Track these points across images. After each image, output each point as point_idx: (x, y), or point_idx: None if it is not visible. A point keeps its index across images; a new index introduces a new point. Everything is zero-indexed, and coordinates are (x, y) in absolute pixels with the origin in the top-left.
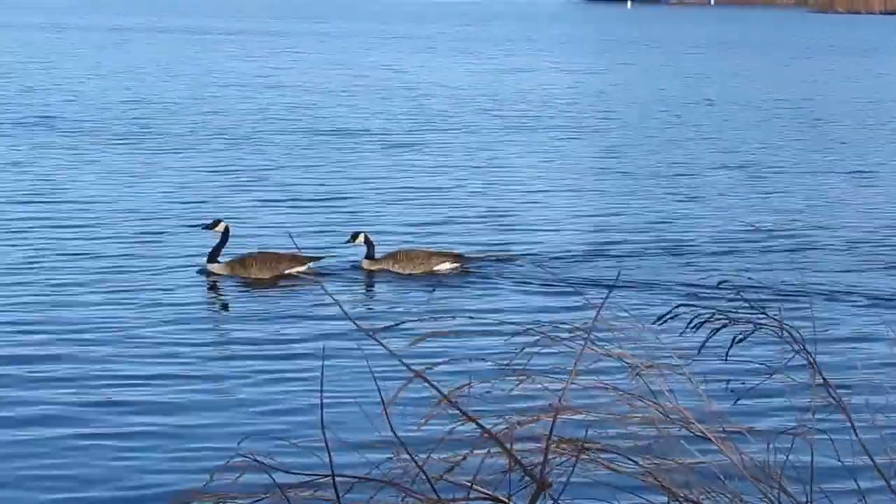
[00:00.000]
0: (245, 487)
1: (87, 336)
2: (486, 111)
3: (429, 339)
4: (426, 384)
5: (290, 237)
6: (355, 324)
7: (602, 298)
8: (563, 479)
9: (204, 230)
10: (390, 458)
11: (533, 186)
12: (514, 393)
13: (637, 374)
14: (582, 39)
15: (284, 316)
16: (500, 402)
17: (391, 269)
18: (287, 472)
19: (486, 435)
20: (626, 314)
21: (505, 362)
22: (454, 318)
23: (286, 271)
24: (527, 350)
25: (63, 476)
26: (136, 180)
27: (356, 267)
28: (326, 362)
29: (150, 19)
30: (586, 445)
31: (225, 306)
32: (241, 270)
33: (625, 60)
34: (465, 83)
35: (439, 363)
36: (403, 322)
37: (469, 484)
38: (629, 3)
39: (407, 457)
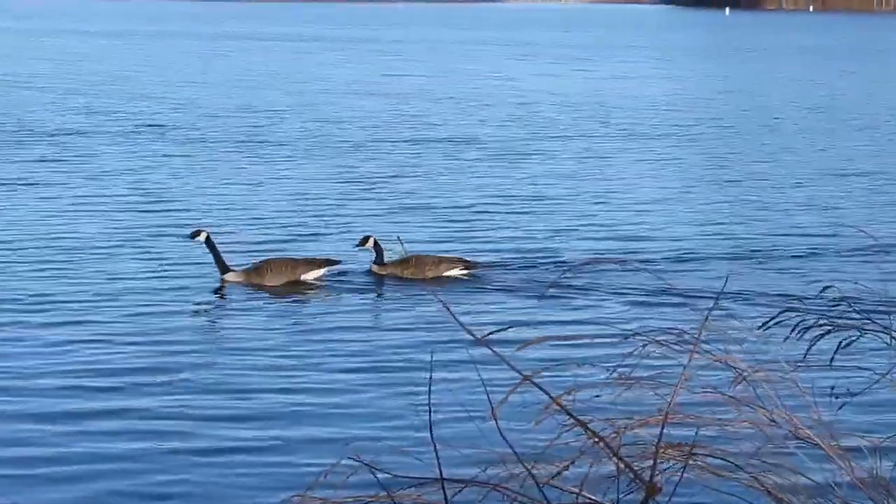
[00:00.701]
0: (353, 491)
1: (197, 347)
2: (594, 118)
3: (535, 345)
4: (531, 390)
5: (400, 241)
6: (467, 330)
7: (707, 306)
8: (671, 484)
9: (186, 241)
10: (497, 463)
11: (640, 194)
12: (621, 398)
13: (743, 379)
14: (683, 46)
15: (375, 325)
16: (607, 407)
17: (401, 274)
18: (395, 475)
19: (594, 439)
20: (731, 320)
21: (611, 368)
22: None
23: (302, 276)
24: (634, 355)
25: (167, 493)
26: (253, 188)
27: (369, 272)
28: (418, 367)
29: (253, 27)
30: (694, 451)
31: (314, 315)
32: (257, 278)
33: (728, 67)
34: (572, 90)
35: (546, 369)
36: (509, 328)
37: (577, 490)
38: (727, 10)
39: (514, 461)
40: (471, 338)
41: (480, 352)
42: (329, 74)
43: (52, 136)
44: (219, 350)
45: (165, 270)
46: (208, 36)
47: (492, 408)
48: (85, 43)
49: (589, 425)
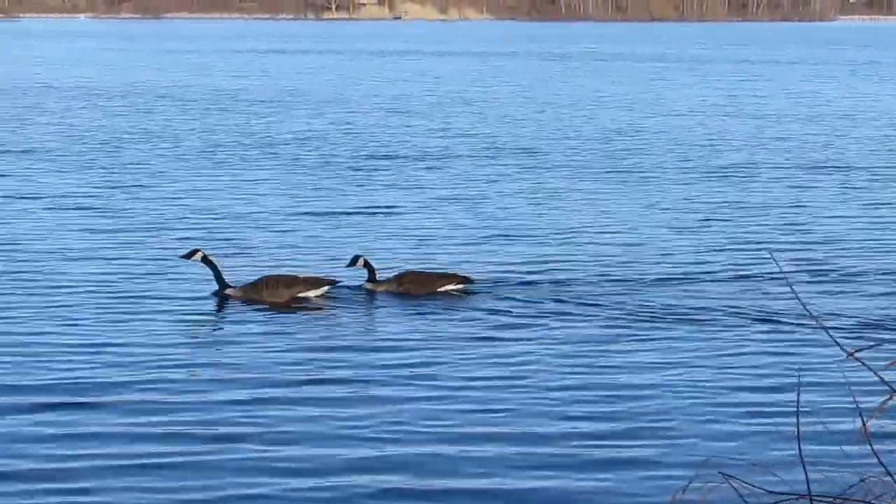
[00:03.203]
0: None
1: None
2: None
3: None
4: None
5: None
6: (837, 343)
7: None
8: None
9: (182, 259)
10: (863, 480)
11: None
12: None
13: None
14: None
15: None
16: None
17: (395, 290)
18: (761, 489)
19: None
20: None
21: None
22: None
23: (300, 294)
24: None
25: None
26: (626, 216)
27: (367, 290)
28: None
29: (587, 47)
30: None
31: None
32: (255, 294)
33: None
34: None
35: None
36: (882, 344)
37: None
38: None
39: (887, 477)
40: None
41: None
42: (680, 96)
43: (419, 160)
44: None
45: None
46: (541, 56)
47: (864, 424)
48: (437, 64)
49: None
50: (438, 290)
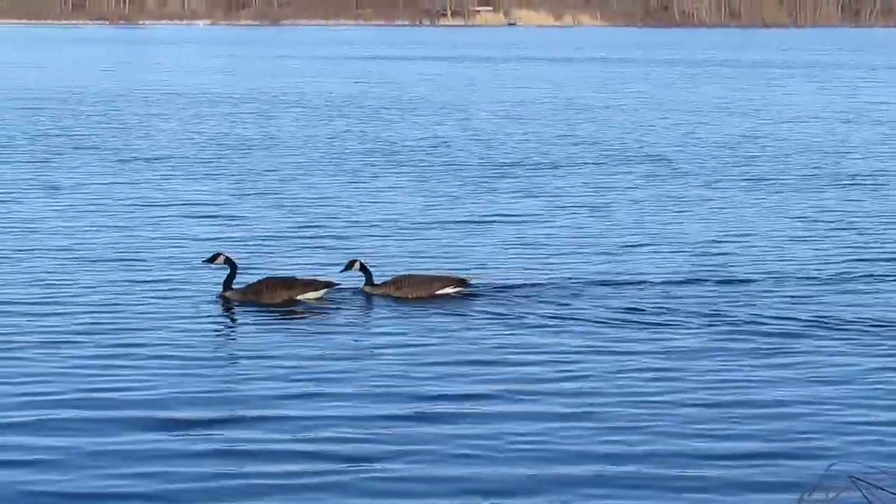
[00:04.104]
0: None
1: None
2: None
3: None
4: None
5: None
6: None
7: None
8: None
9: (204, 263)
10: None
11: None
12: None
13: None
14: None
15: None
16: None
17: (393, 294)
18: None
19: None
20: None
21: None
22: None
23: (298, 297)
24: None
25: None
26: (754, 223)
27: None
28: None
29: (704, 53)
30: None
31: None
32: (253, 296)
33: None
34: None
35: None
36: None
37: None
38: None
39: None
40: None
41: None
42: (801, 101)
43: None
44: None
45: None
46: (658, 62)
47: None
48: (554, 70)
49: None
50: (436, 293)
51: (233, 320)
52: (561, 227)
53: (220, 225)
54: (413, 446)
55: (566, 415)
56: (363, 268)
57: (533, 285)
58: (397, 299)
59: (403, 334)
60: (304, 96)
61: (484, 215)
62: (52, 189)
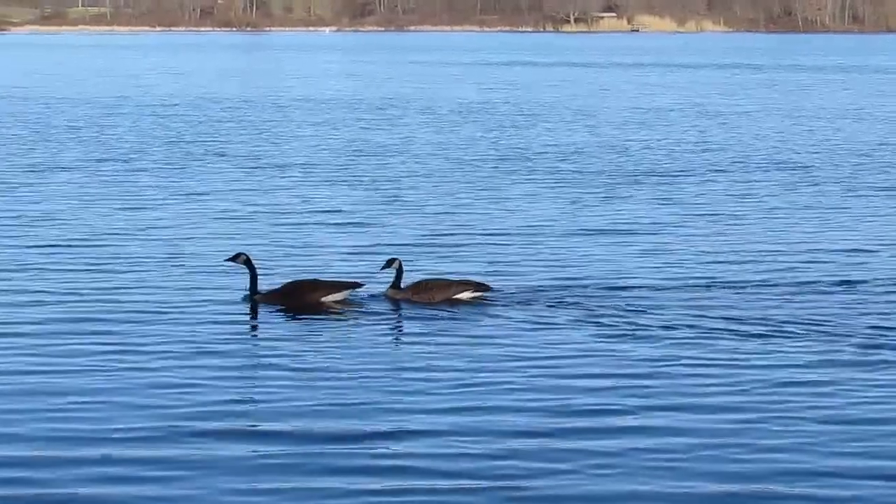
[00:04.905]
0: None
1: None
2: None
3: None
4: None
5: None
6: None
7: None
8: None
9: (227, 262)
10: None
11: None
12: None
13: None
14: None
15: None
16: None
17: (412, 298)
18: None
19: None
20: None
21: None
22: None
23: (322, 299)
24: None
25: None
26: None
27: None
28: None
29: (830, 59)
30: None
31: None
32: (280, 299)
33: None
34: None
35: None
36: None
37: None
38: None
39: None
40: None
41: None
42: None
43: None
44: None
45: None
46: (785, 68)
47: None
48: (680, 77)
49: None
50: (454, 297)
51: (351, 331)
52: (695, 235)
53: (351, 233)
54: (552, 464)
55: (699, 431)
56: (399, 269)
57: (660, 290)
58: (417, 304)
59: (527, 347)
60: (433, 102)
61: (617, 223)
62: (187, 195)
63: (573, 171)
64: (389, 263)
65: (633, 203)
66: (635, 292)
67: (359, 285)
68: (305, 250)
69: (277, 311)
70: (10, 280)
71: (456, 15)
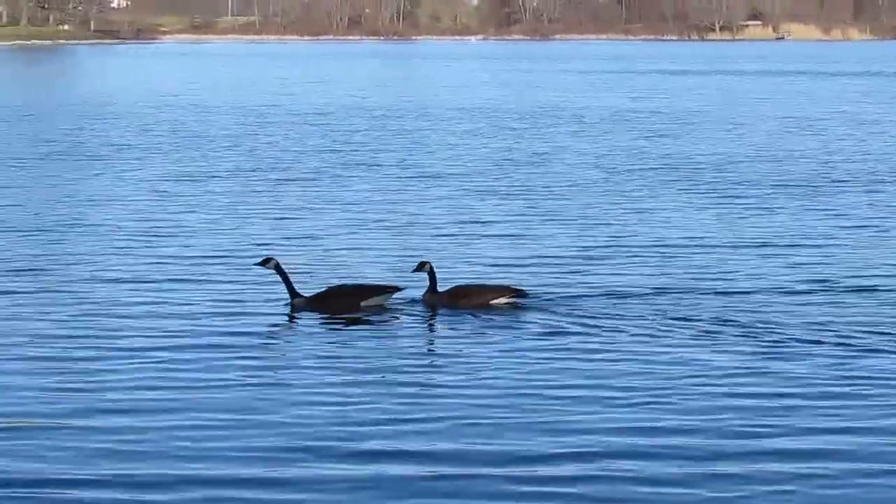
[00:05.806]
0: None
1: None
2: None
3: None
4: None
5: None
6: None
7: None
8: None
9: (256, 266)
10: None
11: None
12: None
13: None
14: None
15: None
16: None
17: (447, 303)
18: None
19: None
20: None
21: None
22: None
23: (363, 303)
24: None
25: None
26: None
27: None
28: None
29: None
30: None
31: None
32: (319, 304)
33: None
34: None
35: None
36: None
37: None
38: None
39: None
40: None
41: None
42: None
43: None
44: None
45: None
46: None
47: None
48: (835, 86)
49: None
50: (490, 302)
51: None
52: (849, 245)
53: (502, 244)
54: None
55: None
56: (431, 272)
57: (799, 304)
58: (453, 308)
59: (694, 365)
60: (584, 111)
61: (771, 233)
62: (338, 204)
63: (726, 181)
64: (421, 267)
65: (786, 214)
66: (786, 303)
67: (399, 289)
68: (460, 260)
69: (415, 323)
70: (164, 291)
71: (601, 24)
